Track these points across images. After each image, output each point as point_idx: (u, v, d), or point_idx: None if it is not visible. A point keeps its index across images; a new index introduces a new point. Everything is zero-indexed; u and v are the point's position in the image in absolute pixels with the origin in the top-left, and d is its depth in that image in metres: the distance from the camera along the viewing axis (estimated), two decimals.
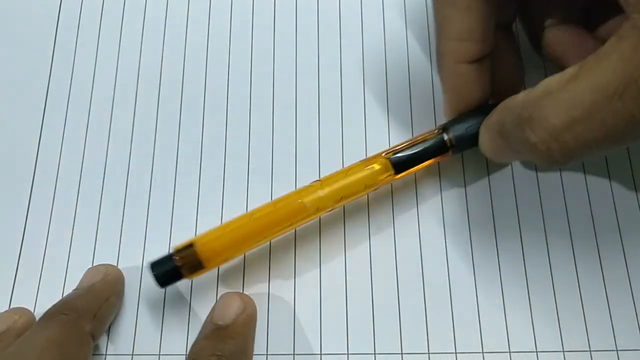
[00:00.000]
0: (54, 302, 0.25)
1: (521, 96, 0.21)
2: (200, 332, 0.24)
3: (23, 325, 0.24)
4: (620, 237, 0.27)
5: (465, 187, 0.28)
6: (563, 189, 0.28)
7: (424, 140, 0.25)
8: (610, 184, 0.28)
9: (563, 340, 0.25)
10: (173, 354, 0.25)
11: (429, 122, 0.29)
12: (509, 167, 0.28)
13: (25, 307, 0.25)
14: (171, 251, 0.23)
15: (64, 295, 0.26)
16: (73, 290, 0.25)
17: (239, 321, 0.24)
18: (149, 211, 0.27)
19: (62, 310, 0.23)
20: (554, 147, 0.19)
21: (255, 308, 0.25)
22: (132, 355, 0.25)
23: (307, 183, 0.25)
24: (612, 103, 0.17)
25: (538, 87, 0.20)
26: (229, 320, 0.23)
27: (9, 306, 0.26)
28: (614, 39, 0.18)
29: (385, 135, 0.29)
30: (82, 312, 0.23)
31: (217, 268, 0.26)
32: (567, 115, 0.18)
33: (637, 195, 0.28)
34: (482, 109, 0.24)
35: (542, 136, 0.19)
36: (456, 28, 0.23)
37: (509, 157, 0.25)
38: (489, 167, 0.28)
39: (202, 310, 0.25)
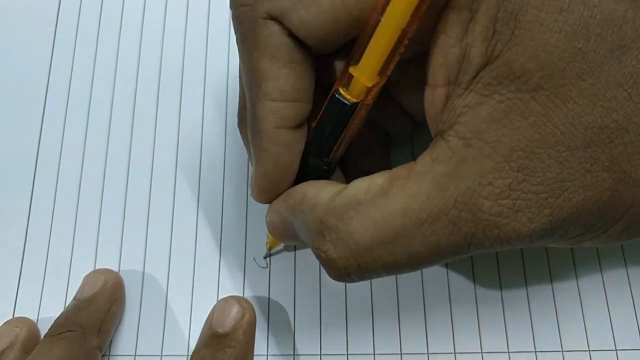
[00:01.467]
0: (57, 305, 0.26)
1: (326, 197, 0.18)
2: (200, 338, 0.25)
3: (26, 337, 0.24)
4: None
5: None
6: None
7: None
8: None
9: (562, 340, 0.25)
10: (175, 354, 0.25)
11: None
12: None
13: (30, 311, 0.26)
14: None
15: (66, 303, 0.26)
16: (73, 300, 0.25)
17: (238, 328, 0.24)
18: (150, 214, 0.27)
19: (68, 327, 0.23)
20: (352, 265, 0.17)
21: (255, 313, 0.25)
22: (135, 355, 0.25)
23: None
24: (421, 229, 0.17)
25: (346, 192, 0.18)
26: (229, 327, 0.24)
27: (14, 311, 0.26)
28: (428, 159, 0.17)
29: None
30: (87, 328, 0.23)
31: (217, 269, 0.26)
32: (373, 236, 0.17)
33: None
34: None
35: (342, 253, 0.17)
36: (278, 86, 0.18)
37: (292, 243, 0.23)
38: None
39: (204, 310, 0.26)
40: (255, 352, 0.25)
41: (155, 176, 0.28)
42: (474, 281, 0.26)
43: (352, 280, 0.18)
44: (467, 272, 0.26)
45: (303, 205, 0.19)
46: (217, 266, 0.27)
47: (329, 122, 0.20)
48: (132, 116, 0.29)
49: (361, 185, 0.18)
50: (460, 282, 0.26)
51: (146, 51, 0.30)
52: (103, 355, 0.25)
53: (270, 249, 0.26)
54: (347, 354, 0.25)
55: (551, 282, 0.26)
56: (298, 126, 0.19)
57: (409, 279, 0.26)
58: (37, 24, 0.31)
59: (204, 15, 0.31)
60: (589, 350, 0.25)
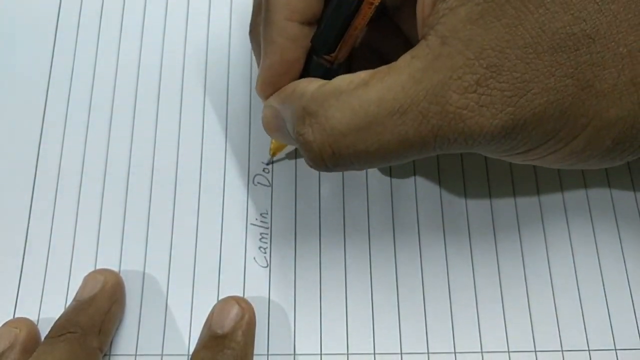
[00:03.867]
0: (58, 305, 0.26)
1: (314, 87, 0.20)
2: (199, 339, 0.25)
3: (26, 338, 0.24)
4: (619, 237, 0.27)
5: (464, 187, 0.28)
6: (562, 190, 0.28)
7: None
8: (609, 185, 0.28)
9: (562, 340, 0.26)
10: (175, 354, 0.25)
11: None
12: (508, 169, 0.28)
13: (31, 311, 0.26)
14: None
15: (67, 304, 0.26)
16: (74, 301, 0.25)
17: (237, 329, 0.24)
18: (150, 214, 0.27)
19: (68, 328, 0.23)
20: (326, 150, 0.19)
21: (254, 313, 0.25)
22: (135, 355, 0.25)
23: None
24: (392, 119, 0.18)
25: (331, 83, 0.19)
26: (228, 328, 0.24)
27: (14, 312, 0.26)
28: (408, 56, 0.18)
29: None
30: (87, 329, 0.23)
31: (217, 269, 0.27)
32: (349, 122, 0.18)
33: (635, 196, 0.28)
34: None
35: (318, 136, 0.18)
36: None
37: (284, 140, 0.24)
38: (488, 168, 0.28)
39: (204, 310, 0.26)
40: (255, 352, 0.25)
41: (155, 176, 0.28)
42: (474, 281, 0.26)
43: (327, 168, 0.19)
44: (468, 272, 0.26)
45: (292, 95, 0.20)
46: (217, 266, 0.27)
47: (333, 14, 0.21)
48: (132, 117, 0.29)
49: (346, 78, 0.19)
50: (460, 282, 0.26)
51: (147, 52, 0.30)
52: (104, 355, 0.25)
53: (273, 154, 0.28)
54: (348, 354, 0.25)
55: (551, 281, 0.26)
56: (307, 23, 0.21)
57: (410, 278, 0.26)
58: (37, 25, 0.31)
59: (204, 16, 0.31)
60: (589, 350, 0.25)
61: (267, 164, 0.28)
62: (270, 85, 0.22)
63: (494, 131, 0.17)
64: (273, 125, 0.22)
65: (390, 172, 0.28)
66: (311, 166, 0.20)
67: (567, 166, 0.20)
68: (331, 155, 0.19)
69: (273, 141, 0.27)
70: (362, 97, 0.18)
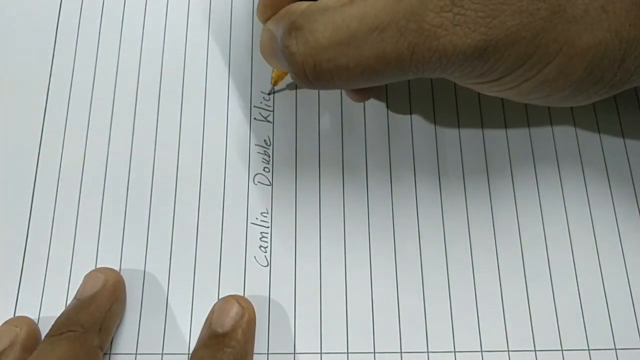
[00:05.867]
0: (58, 304, 0.26)
1: (305, 5, 0.21)
2: (200, 338, 0.25)
3: (26, 337, 0.24)
4: (619, 236, 0.27)
5: (464, 187, 0.28)
6: (562, 189, 0.28)
7: None
8: (609, 184, 0.28)
9: (562, 340, 0.26)
10: (176, 352, 0.25)
11: None
12: (508, 168, 0.28)
13: (31, 310, 0.26)
14: None
15: (67, 303, 0.26)
16: (74, 299, 0.25)
17: (237, 328, 0.24)
18: (151, 213, 0.28)
19: (69, 326, 0.23)
20: (309, 62, 0.20)
21: (254, 312, 0.25)
22: (136, 354, 0.25)
23: None
24: (372, 35, 0.19)
25: (320, 1, 0.20)
26: (228, 326, 0.24)
27: (15, 311, 0.26)
28: None
29: None
30: (88, 327, 0.23)
31: (218, 269, 0.27)
32: (331, 35, 0.19)
33: (635, 195, 0.28)
34: None
35: (302, 49, 0.20)
36: None
37: (278, 66, 0.24)
38: (488, 168, 0.28)
39: (204, 309, 0.26)
40: (255, 351, 0.25)
41: (156, 176, 0.28)
42: (474, 280, 0.26)
43: (309, 83, 0.20)
44: (467, 271, 0.27)
45: (285, 14, 0.21)
46: (218, 265, 0.27)
47: None
48: (133, 116, 0.29)
49: None
50: (460, 281, 0.26)
51: (147, 51, 0.30)
52: (104, 354, 0.25)
53: (275, 83, 0.29)
54: (348, 353, 0.25)
55: (551, 281, 0.26)
56: None
57: (410, 276, 0.26)
58: (37, 25, 0.31)
59: (204, 15, 0.31)
60: (589, 350, 0.25)
61: (269, 94, 0.29)
62: (269, 7, 0.23)
63: (467, 51, 0.18)
64: (269, 49, 0.23)
65: (390, 170, 0.28)
66: (295, 80, 0.21)
67: (542, 98, 0.21)
68: (313, 68, 0.20)
69: (275, 70, 0.28)
70: (346, 13, 0.19)
